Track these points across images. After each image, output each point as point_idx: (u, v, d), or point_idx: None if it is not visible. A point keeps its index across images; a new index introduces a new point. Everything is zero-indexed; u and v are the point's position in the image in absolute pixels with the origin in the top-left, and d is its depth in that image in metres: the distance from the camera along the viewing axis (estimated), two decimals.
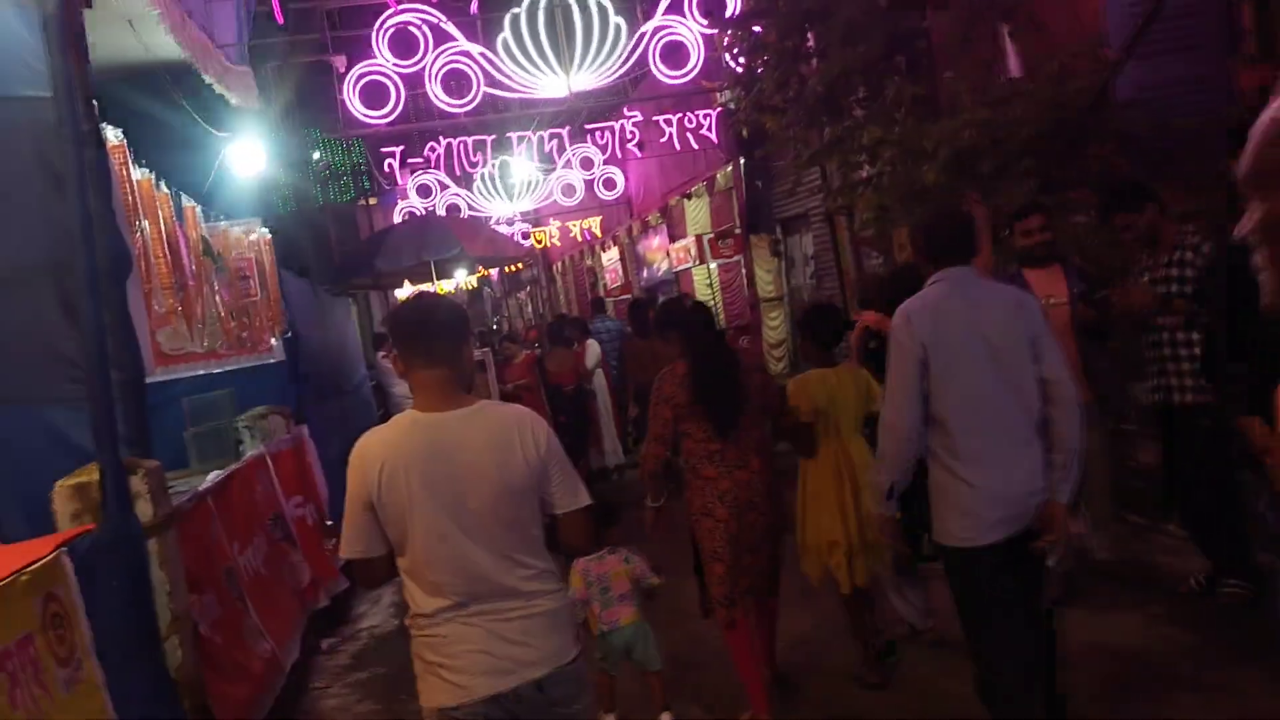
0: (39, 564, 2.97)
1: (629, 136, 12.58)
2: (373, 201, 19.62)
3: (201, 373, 6.42)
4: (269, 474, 6.30)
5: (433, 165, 13.42)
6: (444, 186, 17.09)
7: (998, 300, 3.42)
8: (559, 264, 27.18)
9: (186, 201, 5.25)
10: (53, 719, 2.82)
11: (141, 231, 4.40)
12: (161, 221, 4.69)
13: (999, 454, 3.28)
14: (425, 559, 2.60)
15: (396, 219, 17.30)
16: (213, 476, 5.21)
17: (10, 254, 3.90)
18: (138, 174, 4.49)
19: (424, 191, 16.95)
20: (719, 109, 12.39)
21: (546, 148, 14.01)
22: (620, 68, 10.34)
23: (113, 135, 4.23)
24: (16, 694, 2.66)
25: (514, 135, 13.45)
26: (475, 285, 27.38)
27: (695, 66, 10.86)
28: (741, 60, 9.22)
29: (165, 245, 4.66)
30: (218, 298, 5.62)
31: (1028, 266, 5.19)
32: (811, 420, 4.47)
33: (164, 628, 3.73)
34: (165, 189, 4.85)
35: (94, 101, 3.77)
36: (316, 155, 17.59)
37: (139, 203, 4.41)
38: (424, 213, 16.26)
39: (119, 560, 3.53)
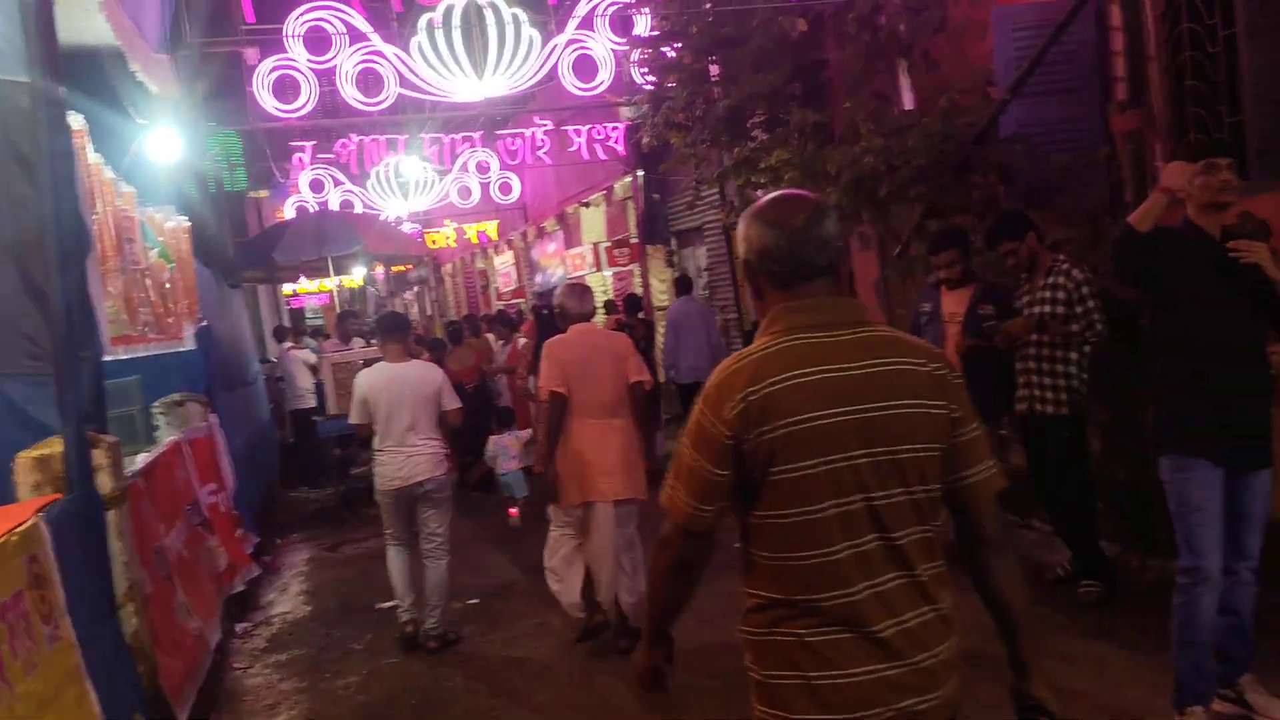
0: (24, 526, 3.11)
1: (540, 144, 12.79)
2: (263, 194, 19.29)
3: (109, 358, 6.40)
4: (186, 461, 6.35)
5: (343, 160, 13.39)
6: (337, 182, 16.94)
7: None
8: (449, 265, 27.14)
9: (125, 187, 5.32)
10: (41, 671, 2.97)
11: (97, 215, 4.50)
12: (107, 204, 4.79)
13: None
14: (384, 425, 5.65)
15: (289, 213, 17.09)
16: (142, 458, 5.28)
17: None
18: (91, 158, 4.58)
19: (316, 186, 16.72)
20: (626, 122, 12.74)
21: (429, 149, 14.01)
22: (533, 76, 10.59)
23: (76, 119, 4.32)
24: (15, 644, 2.81)
25: (427, 137, 13.52)
26: (360, 284, 27.03)
27: (605, 80, 11.18)
28: (651, 78, 9.59)
29: (112, 229, 4.76)
30: (148, 282, 5.68)
31: (946, 287, 5.91)
32: None
33: (119, 596, 3.87)
34: (111, 173, 4.93)
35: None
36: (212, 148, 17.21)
37: (94, 186, 4.50)
38: (316, 208, 16.14)
39: (82, 530, 3.66)
